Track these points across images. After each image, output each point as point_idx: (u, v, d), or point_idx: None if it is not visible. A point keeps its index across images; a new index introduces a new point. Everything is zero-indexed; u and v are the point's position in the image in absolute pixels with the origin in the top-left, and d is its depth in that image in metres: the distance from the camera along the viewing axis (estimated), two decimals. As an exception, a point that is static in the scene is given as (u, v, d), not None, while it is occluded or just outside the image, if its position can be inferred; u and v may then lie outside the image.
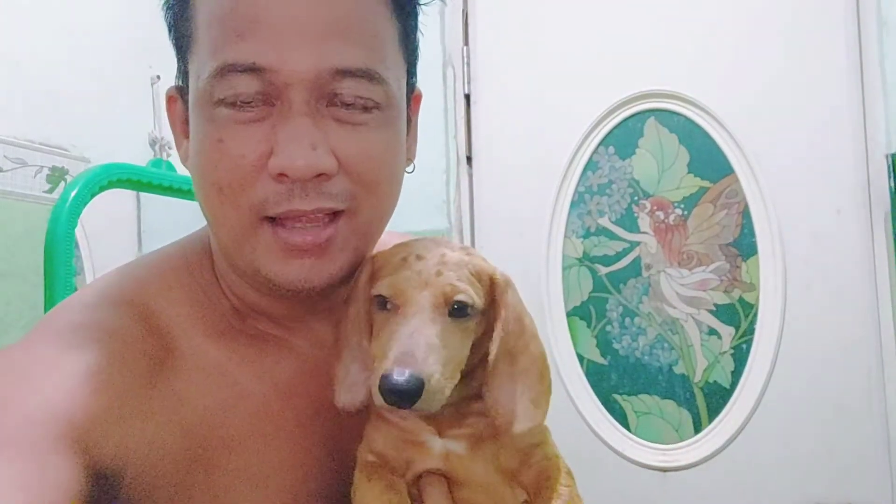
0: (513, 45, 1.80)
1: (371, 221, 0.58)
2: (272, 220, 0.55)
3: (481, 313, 0.55)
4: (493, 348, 0.55)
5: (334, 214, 0.56)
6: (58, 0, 1.74)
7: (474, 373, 0.56)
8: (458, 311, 0.53)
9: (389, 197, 0.60)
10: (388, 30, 0.57)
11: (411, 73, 0.63)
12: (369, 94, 0.55)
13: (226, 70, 0.52)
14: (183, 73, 0.58)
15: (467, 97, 1.82)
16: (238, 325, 0.61)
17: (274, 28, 0.52)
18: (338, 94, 0.54)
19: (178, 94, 0.60)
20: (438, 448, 0.56)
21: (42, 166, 1.68)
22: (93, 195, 1.35)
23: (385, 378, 0.49)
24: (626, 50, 1.68)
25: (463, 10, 1.83)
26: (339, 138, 0.54)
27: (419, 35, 0.63)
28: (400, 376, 0.48)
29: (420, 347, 0.50)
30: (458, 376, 0.53)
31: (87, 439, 0.48)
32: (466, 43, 1.83)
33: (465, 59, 1.82)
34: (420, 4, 0.62)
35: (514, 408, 0.54)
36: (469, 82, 1.82)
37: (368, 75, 0.54)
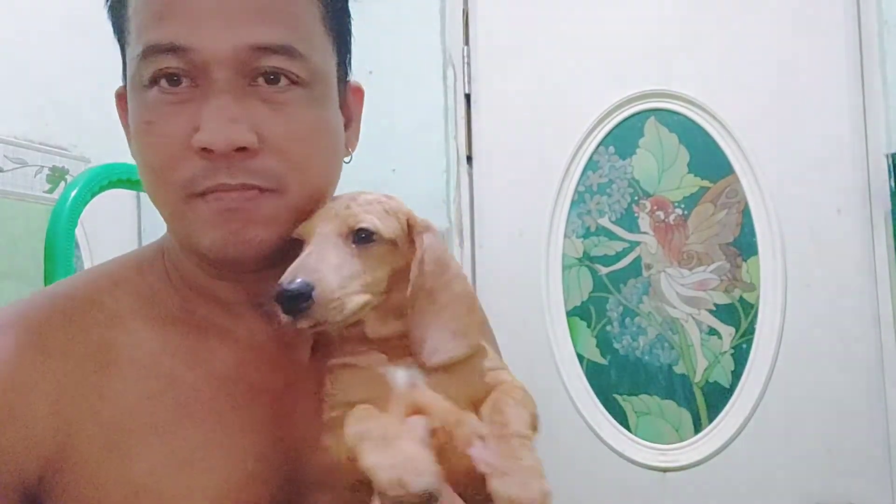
0: (513, 45, 1.79)
1: (300, 201, 0.58)
2: (202, 195, 0.56)
3: (393, 244, 0.57)
4: (409, 286, 0.57)
5: (260, 191, 0.57)
6: (58, 0, 1.74)
7: None
8: (362, 238, 0.55)
9: (320, 176, 0.60)
10: (309, 10, 0.59)
11: (344, 62, 0.64)
12: (290, 69, 0.56)
13: (149, 52, 0.54)
14: (125, 69, 0.60)
15: (467, 97, 1.82)
16: (183, 316, 0.63)
17: (191, 9, 0.54)
18: (259, 71, 0.55)
19: (125, 93, 0.62)
20: (402, 378, 0.57)
21: (42, 166, 1.68)
22: (93, 195, 1.35)
23: (277, 287, 0.51)
24: (626, 50, 1.68)
25: (463, 10, 1.82)
26: (263, 117, 0.55)
27: (349, 19, 0.65)
28: (290, 282, 0.51)
29: (312, 260, 0.53)
30: (370, 297, 0.55)
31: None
32: (466, 43, 1.82)
33: (465, 59, 1.82)
34: None
35: (433, 341, 0.56)
36: (469, 82, 1.82)
37: (289, 52, 0.56)
